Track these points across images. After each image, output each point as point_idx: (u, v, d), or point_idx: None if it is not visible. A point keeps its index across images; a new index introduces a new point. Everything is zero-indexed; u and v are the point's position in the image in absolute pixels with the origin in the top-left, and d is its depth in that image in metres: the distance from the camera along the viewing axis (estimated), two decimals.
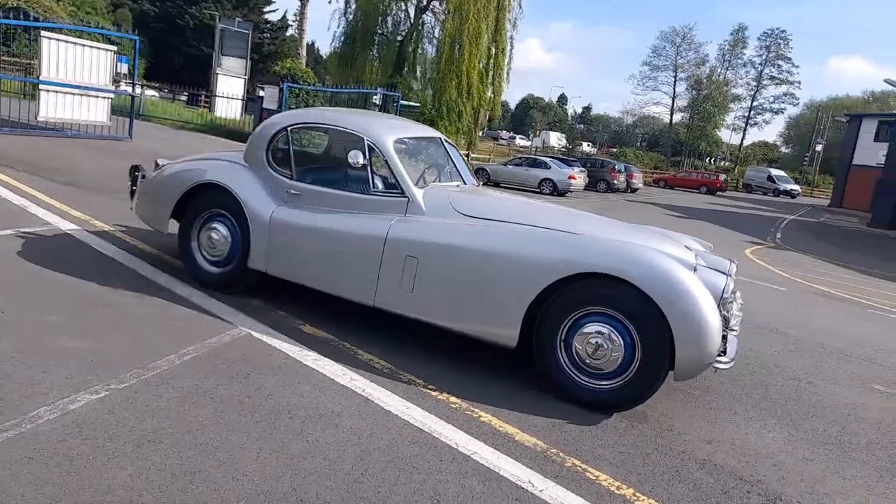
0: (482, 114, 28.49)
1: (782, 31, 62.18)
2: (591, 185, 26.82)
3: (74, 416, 2.72)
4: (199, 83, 36.38)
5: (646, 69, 71.68)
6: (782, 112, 66.83)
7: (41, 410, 2.72)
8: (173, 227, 4.92)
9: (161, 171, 5.02)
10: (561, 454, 3.03)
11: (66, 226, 5.87)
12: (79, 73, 12.88)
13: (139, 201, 5.16)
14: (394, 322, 4.18)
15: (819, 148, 54.43)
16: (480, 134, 32.77)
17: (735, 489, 2.95)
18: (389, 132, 4.35)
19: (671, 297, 3.31)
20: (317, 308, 4.55)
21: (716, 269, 3.93)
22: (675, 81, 65.45)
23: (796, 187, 49.34)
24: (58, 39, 12.46)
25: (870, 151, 38.71)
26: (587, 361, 3.54)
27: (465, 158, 4.66)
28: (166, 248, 5.63)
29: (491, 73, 27.39)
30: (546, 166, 23.11)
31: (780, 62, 62.39)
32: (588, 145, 68.64)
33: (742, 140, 68.82)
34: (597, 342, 3.49)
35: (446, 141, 4.94)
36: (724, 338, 3.63)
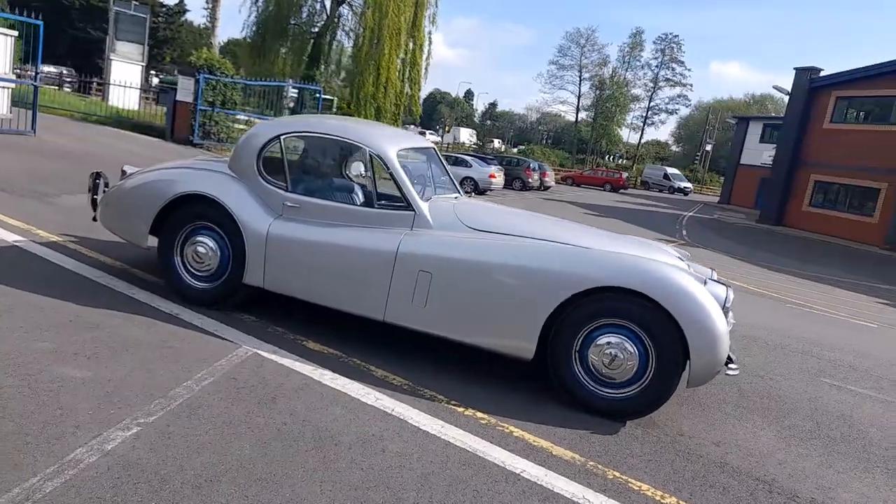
0: (401, 109, 28.40)
1: (675, 36, 65.90)
2: (507, 184, 27.37)
3: (116, 457, 2.54)
4: (86, 69, 33.94)
5: (553, 68, 73.90)
6: (676, 112, 70.92)
7: (78, 453, 2.52)
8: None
9: (131, 180, 4.70)
10: (599, 466, 3.14)
11: (9, 237, 5.37)
12: None
13: (106, 212, 4.80)
14: (392, 334, 4.16)
15: (709, 148, 58.22)
16: None
17: (758, 490, 3.18)
18: (391, 143, 4.29)
19: (687, 309, 3.49)
20: (313, 323, 4.44)
21: (717, 281, 4.18)
22: (580, 81, 67.97)
23: (689, 185, 52.61)
24: None
25: (755, 152, 41.89)
26: (603, 372, 3.67)
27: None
28: (130, 260, 5.29)
29: (409, 68, 27.33)
30: (467, 164, 23.37)
31: (674, 65, 66.19)
32: (499, 142, 69.94)
33: (640, 139, 72.49)
34: (613, 353, 3.62)
35: (436, 151, 4.93)
36: None
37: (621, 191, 43.19)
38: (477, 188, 22.82)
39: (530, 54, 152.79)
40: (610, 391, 3.70)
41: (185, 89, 17.07)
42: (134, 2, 38.71)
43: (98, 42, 37.49)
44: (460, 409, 3.53)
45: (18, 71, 16.18)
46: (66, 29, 49.35)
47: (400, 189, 4.15)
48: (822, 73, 28.28)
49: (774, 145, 36.45)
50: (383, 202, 4.20)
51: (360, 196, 4.25)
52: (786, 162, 28.98)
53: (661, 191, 51.07)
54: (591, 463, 3.15)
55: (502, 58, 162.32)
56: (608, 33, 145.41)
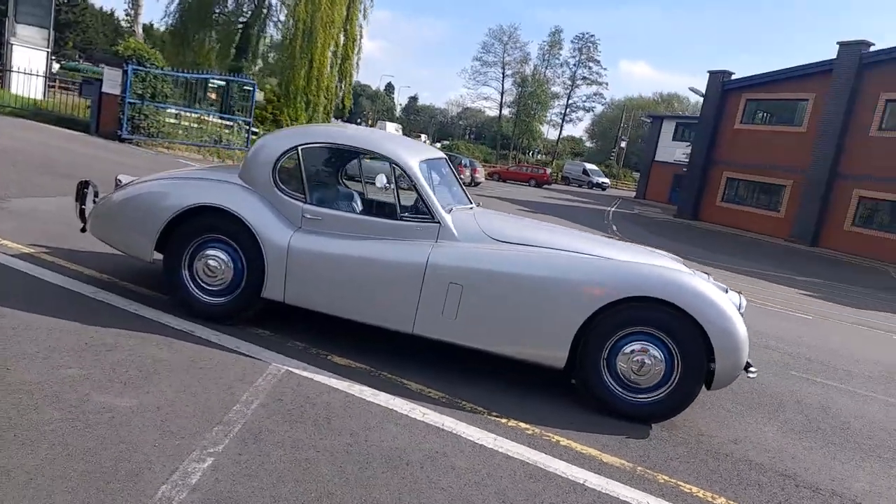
0: (331, 103, 27.94)
1: (591, 36, 68.00)
2: None
3: (204, 492, 2.45)
4: None
5: (477, 64, 74.55)
6: (593, 110, 73.25)
7: (164, 490, 2.41)
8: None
9: (130, 190, 4.46)
10: (648, 471, 3.29)
11: None
12: None
13: (100, 223, 4.53)
14: (413, 345, 4.19)
15: (623, 144, 60.62)
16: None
17: (787, 485, 3.43)
18: (413, 154, 4.29)
19: (713, 317, 3.71)
20: (329, 335, 4.38)
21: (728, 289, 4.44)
22: (503, 78, 68.99)
23: (606, 180, 54.62)
24: None
25: (669, 149, 44.05)
26: (632, 378, 3.84)
27: None
28: (116, 272, 5.01)
29: (341, 61, 26.91)
30: None
31: (591, 64, 68.30)
32: (424, 137, 69.94)
33: (559, 135, 74.45)
34: (641, 359, 3.80)
35: (448, 161, 4.95)
36: None
37: (545, 186, 44.31)
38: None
39: (448, 49, 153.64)
40: (638, 396, 3.87)
41: (111, 81, 16.12)
42: None
43: None
44: (503, 420, 3.60)
45: None
46: None
47: (424, 201, 4.15)
48: (734, 77, 30.07)
49: (687, 143, 38.50)
50: (406, 214, 4.19)
51: (382, 208, 4.22)
52: (701, 159, 30.65)
53: (580, 186, 52.76)
54: (640, 468, 3.31)
55: (422, 52, 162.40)
56: (528, 31, 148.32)
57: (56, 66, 40.58)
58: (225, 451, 2.76)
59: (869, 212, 24.30)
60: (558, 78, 69.55)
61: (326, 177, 4.75)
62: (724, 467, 3.51)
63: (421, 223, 4.15)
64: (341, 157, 4.68)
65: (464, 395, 3.85)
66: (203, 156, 18.02)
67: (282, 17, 28.57)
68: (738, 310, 4.11)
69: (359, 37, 27.35)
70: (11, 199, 7.04)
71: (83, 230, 4.71)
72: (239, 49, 27.75)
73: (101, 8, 73.50)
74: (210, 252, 4.22)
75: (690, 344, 3.75)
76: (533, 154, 77.12)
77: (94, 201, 4.69)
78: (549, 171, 47.94)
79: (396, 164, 4.18)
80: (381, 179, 4.09)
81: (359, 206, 4.29)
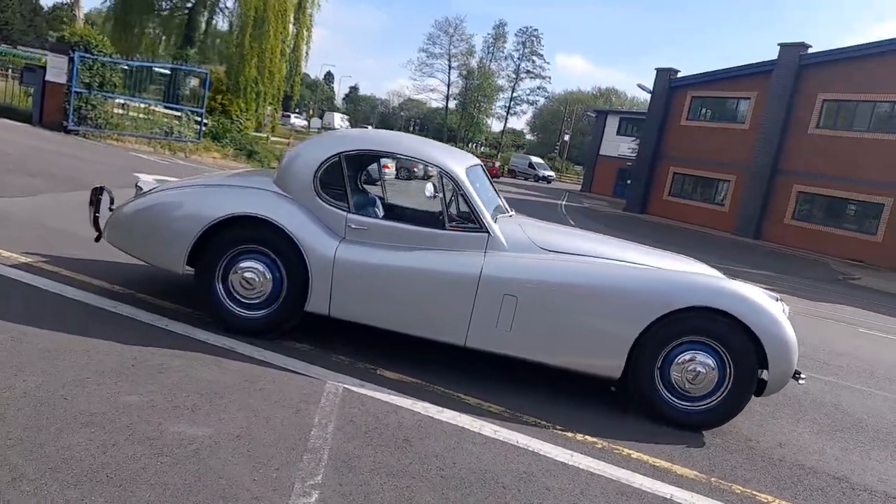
0: (281, 93, 27.23)
1: (535, 30, 68.93)
2: (395, 174, 27.28)
3: None
4: None
5: (423, 56, 74.12)
6: (536, 104, 74.20)
7: None
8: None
9: (156, 198, 4.20)
10: (722, 482, 3.34)
11: None
12: None
13: (120, 233, 4.25)
14: (453, 355, 4.14)
15: (567, 138, 61.67)
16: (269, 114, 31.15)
17: (843, 488, 3.54)
18: (458, 161, 4.20)
19: (767, 325, 3.79)
20: (368, 347, 4.25)
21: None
22: (449, 69, 68.92)
23: (552, 173, 55.51)
24: None
25: (613, 143, 45.11)
26: (686, 387, 3.89)
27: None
28: (127, 282, 4.73)
29: (290, 52, 26.20)
30: None
31: (535, 58, 69.12)
32: (371, 129, 68.96)
33: (504, 128, 75.07)
34: (696, 368, 3.85)
35: (483, 167, 4.87)
36: None
37: (495, 180, 44.54)
38: (370, 178, 22.52)
39: (389, 39, 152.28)
40: (690, 404, 3.92)
41: (56, 68, 15.18)
42: None
43: None
44: (570, 434, 3.58)
45: None
46: None
47: (473, 210, 4.07)
48: (680, 75, 31.00)
49: (633, 139, 39.50)
50: (454, 223, 4.10)
51: (428, 217, 4.11)
52: (649, 155, 31.51)
53: (526, 179, 53.37)
54: (714, 479, 3.35)
55: (361, 41, 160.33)
56: (472, 24, 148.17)
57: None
58: (325, 482, 2.63)
59: (808, 206, 25.56)
60: (503, 71, 70.14)
61: (367, 184, 4.59)
62: (784, 473, 3.60)
63: (470, 233, 4.06)
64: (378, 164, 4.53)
65: (522, 407, 3.80)
66: (154, 148, 17.24)
67: (229, 4, 27.62)
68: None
69: (310, 25, 26.72)
70: None
71: (97, 239, 4.41)
72: (185, 37, 26.61)
73: None
74: (246, 264, 4.02)
75: (743, 352, 3.82)
76: (477, 146, 77.50)
77: (110, 209, 4.39)
78: (498, 164, 48.25)
79: (444, 172, 4.08)
80: (428, 189, 3.99)
81: (405, 215, 4.16)
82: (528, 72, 69.30)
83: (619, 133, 45.11)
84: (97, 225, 4.39)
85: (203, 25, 27.96)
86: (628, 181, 39.05)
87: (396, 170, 22.34)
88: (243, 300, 4.06)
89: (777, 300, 4.11)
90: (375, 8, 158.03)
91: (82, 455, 2.49)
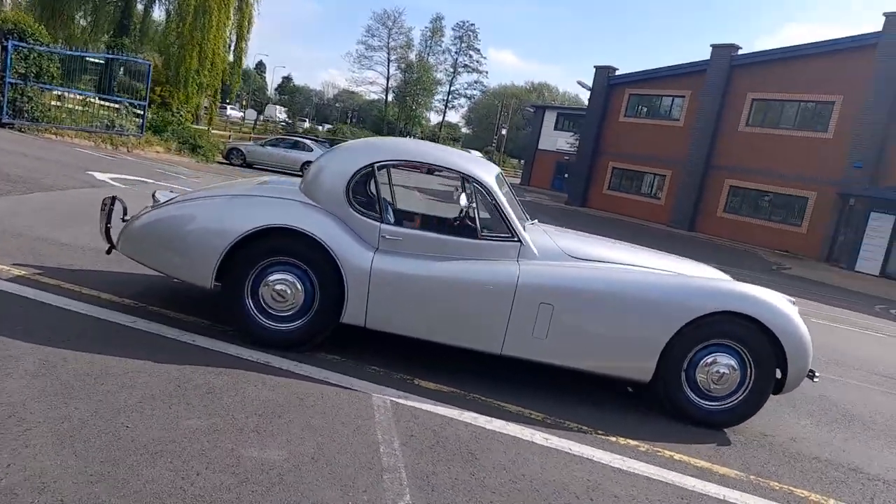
0: (220, 85, 26.38)
1: (472, 25, 69.35)
2: None
3: None
4: None
5: (361, 48, 73.17)
6: (474, 98, 74.66)
7: None
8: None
9: (178, 209, 4.04)
10: (761, 479, 3.52)
11: None
12: None
13: (137, 245, 4.06)
14: (480, 362, 4.20)
15: (504, 132, 62.41)
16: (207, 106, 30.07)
17: (860, 479, 3.79)
18: (487, 170, 4.22)
19: (787, 327, 4.00)
20: (398, 357, 4.23)
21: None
22: (388, 62, 68.36)
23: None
24: None
25: (551, 138, 46.00)
26: (711, 388, 4.07)
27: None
28: (134, 294, 4.53)
29: (232, 42, 25.43)
30: (308, 149, 22.55)
31: (472, 52, 69.52)
32: (309, 122, 67.69)
33: (442, 121, 75.18)
34: (720, 370, 4.04)
35: (503, 174, 4.90)
36: None
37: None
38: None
39: (322, 28, 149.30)
40: (714, 404, 4.11)
41: None
42: None
43: None
44: (612, 439, 3.68)
45: None
46: None
47: (504, 219, 4.11)
48: (618, 73, 31.89)
49: (570, 133, 40.43)
50: (486, 232, 4.13)
51: (461, 226, 4.13)
52: (589, 150, 32.33)
53: None
54: (753, 477, 3.53)
55: (292, 30, 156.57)
56: (409, 17, 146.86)
57: None
58: (414, 502, 2.63)
59: (738, 200, 26.88)
60: (441, 65, 70.21)
61: (397, 194, 4.55)
62: (808, 467, 3.83)
63: (502, 242, 4.10)
64: (408, 173, 4.50)
65: (561, 414, 3.88)
66: (95, 143, 16.39)
67: None
68: None
69: (253, 15, 25.97)
70: None
71: (109, 251, 4.20)
72: (120, 25, 25.30)
73: None
74: (276, 276, 3.93)
75: (764, 353, 4.03)
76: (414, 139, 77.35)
77: (123, 219, 4.19)
78: None
79: (475, 181, 4.10)
80: (463, 198, 4.00)
81: (438, 224, 4.16)
82: (465, 66, 69.72)
83: (556, 128, 46.02)
84: (109, 236, 4.17)
85: (142, 14, 26.67)
86: (566, 175, 39.95)
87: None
88: (275, 313, 3.97)
89: (793, 303, 4.35)
90: None
91: (170, 489, 2.40)
